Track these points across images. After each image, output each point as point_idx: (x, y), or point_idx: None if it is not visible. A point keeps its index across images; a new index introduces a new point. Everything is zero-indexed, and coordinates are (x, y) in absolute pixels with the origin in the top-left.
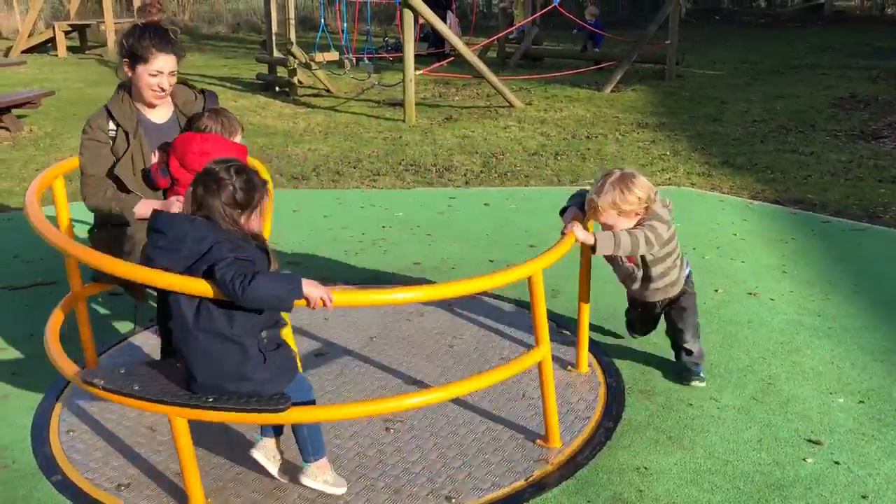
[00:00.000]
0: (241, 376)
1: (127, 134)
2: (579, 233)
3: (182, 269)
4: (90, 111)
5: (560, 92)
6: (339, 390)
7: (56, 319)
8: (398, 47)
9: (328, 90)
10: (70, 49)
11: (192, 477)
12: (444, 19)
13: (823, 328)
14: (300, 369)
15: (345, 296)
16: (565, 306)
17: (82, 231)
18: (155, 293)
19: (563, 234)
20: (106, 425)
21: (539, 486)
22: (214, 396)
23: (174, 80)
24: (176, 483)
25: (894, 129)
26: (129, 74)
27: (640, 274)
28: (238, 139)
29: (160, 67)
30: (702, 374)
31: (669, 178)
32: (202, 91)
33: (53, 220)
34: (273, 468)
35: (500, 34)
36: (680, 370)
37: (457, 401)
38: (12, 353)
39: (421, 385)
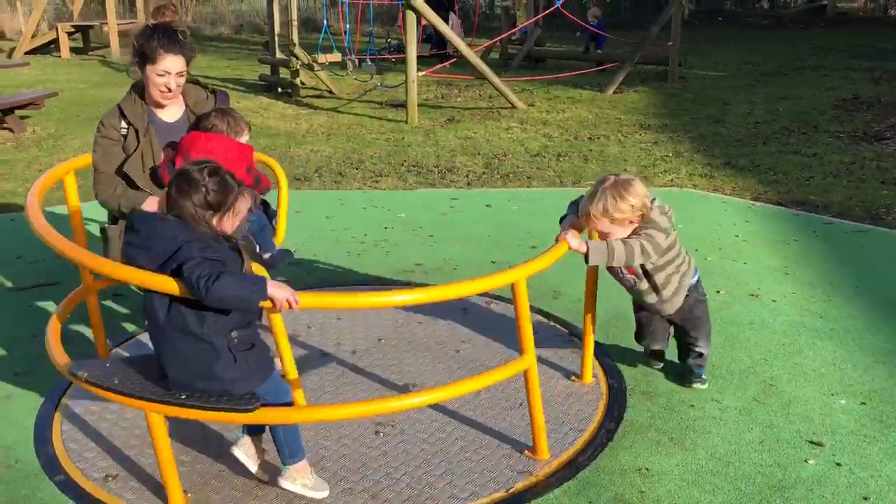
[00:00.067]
0: (210, 375)
1: (137, 132)
2: (572, 241)
3: (154, 267)
4: (93, 112)
5: (562, 93)
6: (338, 391)
7: (65, 308)
8: (401, 48)
9: (331, 91)
10: (73, 50)
11: (170, 471)
12: (446, 20)
13: (825, 330)
14: (294, 372)
15: (312, 298)
16: (567, 308)
17: (95, 228)
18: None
19: (556, 240)
20: (108, 425)
21: (516, 500)
22: (187, 393)
23: (182, 80)
24: (200, 486)
25: None
26: (140, 74)
27: (644, 285)
28: (244, 139)
29: (167, 68)
30: (703, 376)
31: (672, 180)
32: (214, 91)
33: (62, 217)
34: (252, 466)
35: (503, 35)
36: (682, 371)
37: (452, 407)
38: (15, 354)
39: (418, 389)
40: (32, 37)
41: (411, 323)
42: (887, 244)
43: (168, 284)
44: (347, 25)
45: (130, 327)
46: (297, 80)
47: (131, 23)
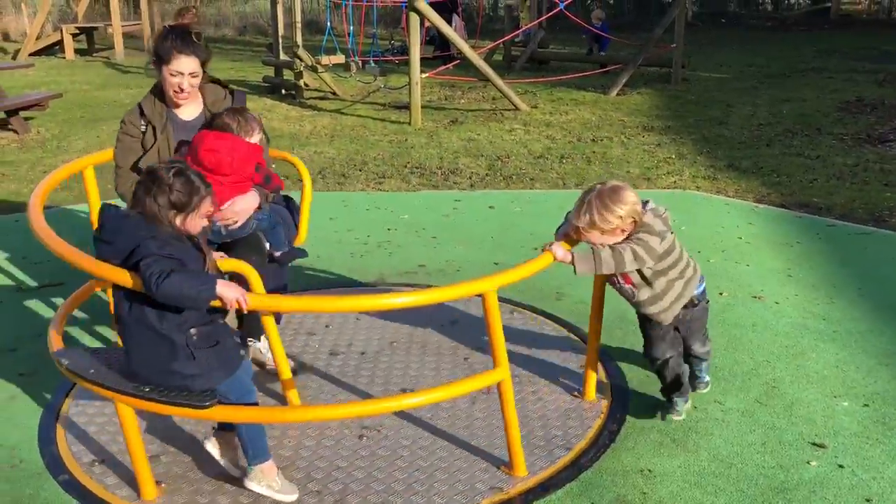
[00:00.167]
0: (169, 370)
1: (155, 129)
2: (557, 252)
3: (118, 262)
4: (97, 114)
5: (566, 95)
6: (337, 391)
7: (76, 298)
8: (404, 50)
9: (334, 93)
10: (77, 52)
11: (140, 460)
12: (449, 22)
13: (828, 332)
14: (287, 372)
15: (261, 300)
16: (570, 309)
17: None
18: None
19: (542, 250)
20: (112, 425)
21: None
22: (151, 386)
23: (196, 80)
24: (177, 477)
25: None
26: (158, 74)
27: (644, 294)
28: (255, 139)
29: (180, 68)
30: (706, 379)
31: (675, 182)
32: (232, 90)
33: (73, 215)
34: (222, 460)
35: (506, 37)
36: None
37: (443, 415)
38: (20, 355)
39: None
40: (37, 38)
41: (429, 327)
42: (890, 246)
43: (127, 279)
44: (351, 27)
45: None
46: (301, 82)
47: (135, 24)
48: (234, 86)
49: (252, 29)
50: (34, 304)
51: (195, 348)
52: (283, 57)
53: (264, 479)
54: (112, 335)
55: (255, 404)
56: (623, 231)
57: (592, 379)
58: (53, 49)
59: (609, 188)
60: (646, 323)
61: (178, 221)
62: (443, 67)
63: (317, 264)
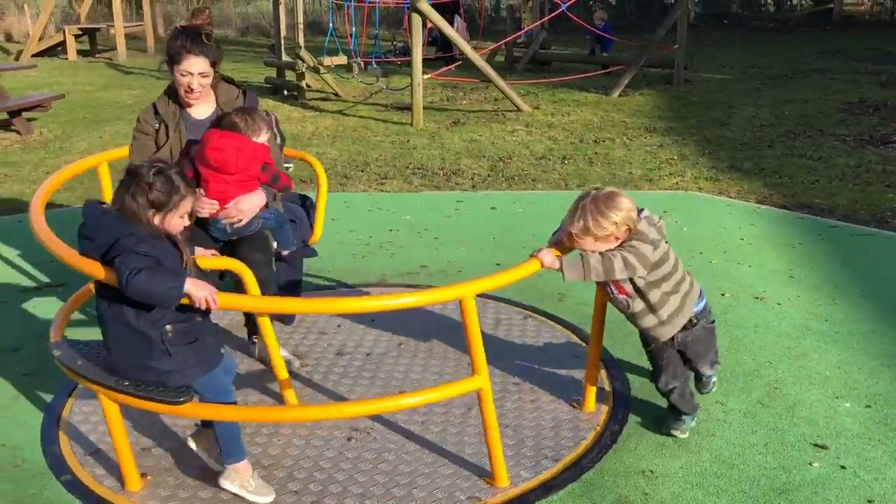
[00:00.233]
0: (144, 365)
1: (167, 128)
2: (545, 258)
3: (97, 257)
4: (100, 114)
5: (568, 96)
6: (335, 392)
7: (76, 299)
8: (406, 51)
9: (336, 94)
10: (80, 52)
11: (124, 452)
12: (451, 23)
13: (830, 333)
14: (284, 372)
15: (229, 299)
16: (573, 311)
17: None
18: None
19: (530, 256)
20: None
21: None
22: (129, 381)
23: (206, 80)
24: (164, 471)
25: None
26: (171, 73)
27: (638, 306)
28: (262, 138)
29: (190, 68)
30: (687, 426)
31: (677, 183)
32: (245, 90)
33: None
34: (204, 455)
35: (508, 38)
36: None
37: (437, 419)
38: (22, 355)
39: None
40: (40, 39)
41: (441, 330)
42: (893, 247)
43: (104, 274)
44: (353, 28)
45: None
46: (303, 83)
47: (138, 25)
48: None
49: (254, 30)
50: (37, 305)
51: (170, 345)
52: (285, 58)
53: (238, 478)
54: None
55: (234, 404)
56: (617, 238)
57: (592, 389)
58: (56, 50)
59: (604, 194)
60: (647, 345)
61: (156, 220)
62: (445, 68)
63: (319, 265)
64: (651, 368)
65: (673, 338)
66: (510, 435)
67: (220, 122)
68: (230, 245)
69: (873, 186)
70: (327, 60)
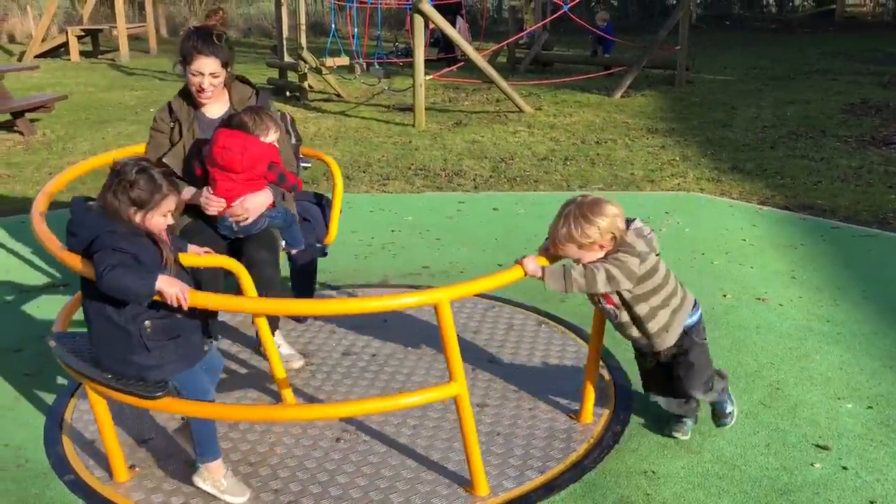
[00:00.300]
0: (125, 359)
1: (181, 126)
2: (528, 265)
3: (80, 252)
4: (102, 115)
5: (570, 97)
6: (334, 392)
7: (78, 299)
8: (408, 52)
9: (338, 95)
10: (83, 53)
11: (110, 441)
12: (453, 24)
13: (832, 334)
14: (281, 372)
15: (200, 297)
16: (574, 311)
17: None
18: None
19: (514, 263)
20: (118, 424)
21: (548, 488)
22: (111, 374)
23: (217, 80)
24: (153, 463)
25: None
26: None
27: (624, 318)
28: (270, 138)
29: (200, 68)
30: (686, 427)
31: (679, 184)
32: (258, 90)
33: None
34: (188, 447)
35: (510, 39)
36: None
37: (431, 423)
38: (25, 355)
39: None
40: (42, 40)
41: (464, 334)
42: (894, 248)
43: (85, 269)
44: (355, 29)
45: None
46: (305, 84)
47: (140, 26)
48: None
49: (256, 31)
50: (39, 305)
51: (148, 340)
52: (287, 59)
53: (210, 477)
54: None
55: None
56: (602, 247)
57: (590, 400)
58: (59, 51)
59: (590, 200)
60: (637, 357)
61: (137, 218)
62: (447, 69)
63: (321, 265)
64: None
65: (659, 352)
66: (500, 443)
67: (229, 121)
68: (236, 243)
69: (875, 187)
70: (329, 61)
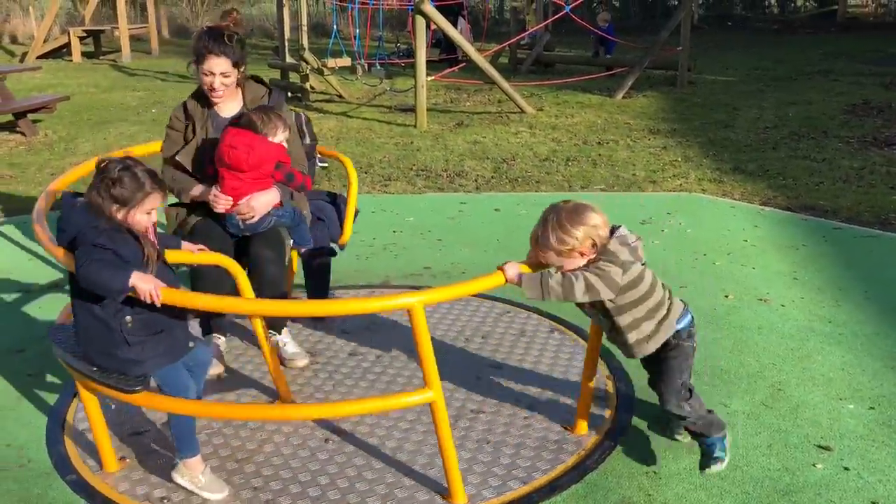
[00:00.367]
0: (107, 352)
1: (195, 125)
2: (509, 271)
3: (66, 246)
4: (104, 116)
5: (571, 98)
6: (332, 392)
7: None
8: (410, 53)
9: (340, 96)
10: (85, 54)
11: (99, 431)
12: (455, 25)
13: (834, 334)
14: (278, 370)
15: (174, 295)
16: (576, 311)
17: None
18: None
19: (497, 268)
20: (120, 424)
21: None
22: (96, 366)
23: (228, 80)
24: (144, 456)
25: None
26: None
27: (606, 325)
28: (278, 138)
29: (211, 68)
30: (717, 455)
31: (680, 184)
32: (272, 90)
33: None
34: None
35: (512, 40)
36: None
37: (422, 427)
38: (28, 355)
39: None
40: (44, 41)
41: (463, 337)
42: None
43: (69, 264)
44: (357, 30)
45: None
46: (307, 85)
47: (142, 27)
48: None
49: (258, 32)
50: (41, 306)
51: (128, 334)
52: (289, 60)
53: (187, 473)
54: None
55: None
56: (582, 255)
57: (584, 414)
58: (61, 52)
59: (572, 206)
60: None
61: (119, 215)
62: (448, 70)
63: None
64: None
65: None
66: (488, 452)
67: (239, 120)
68: (242, 241)
69: (877, 188)
70: (331, 62)
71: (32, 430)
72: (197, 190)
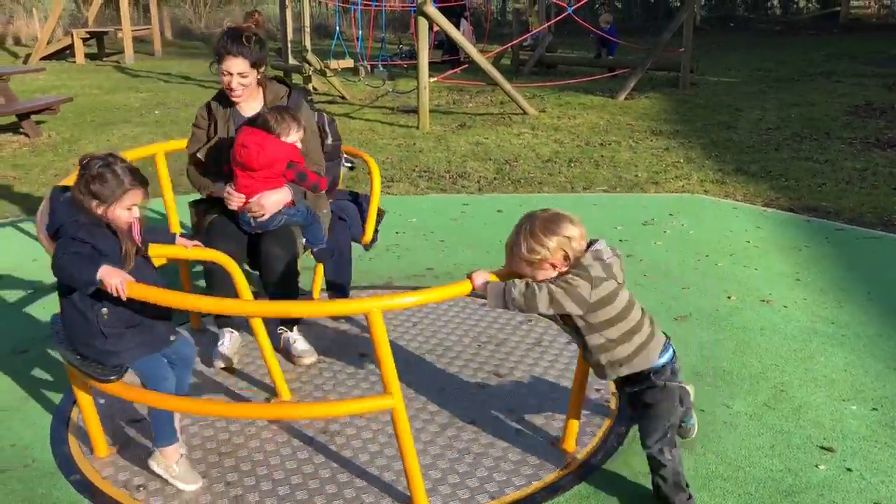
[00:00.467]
0: (85, 342)
1: (217, 123)
2: (477, 279)
3: (52, 236)
4: (107, 117)
5: (574, 99)
6: (332, 391)
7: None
8: (412, 54)
9: (343, 97)
10: (88, 56)
11: (90, 417)
12: (458, 27)
13: (837, 335)
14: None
15: (139, 290)
16: None
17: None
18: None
19: (467, 276)
20: (122, 424)
21: (553, 489)
22: (78, 355)
23: (247, 80)
24: (135, 444)
25: None
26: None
27: (579, 340)
28: (292, 138)
29: (229, 68)
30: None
31: (683, 186)
32: (292, 90)
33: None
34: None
35: (514, 41)
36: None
37: (417, 425)
38: (32, 355)
39: (410, 406)
40: (48, 43)
41: (477, 340)
42: None
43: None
44: (360, 31)
45: None
46: (310, 86)
47: (145, 29)
48: None
49: (261, 33)
50: (45, 307)
51: (104, 326)
52: (291, 61)
53: (163, 461)
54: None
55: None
56: (554, 266)
57: (573, 429)
58: (64, 53)
59: (548, 215)
60: None
61: (99, 210)
62: (451, 71)
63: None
64: None
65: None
66: (467, 463)
67: (255, 119)
68: (254, 238)
69: (880, 189)
70: (334, 63)
71: (36, 430)
72: (215, 187)
